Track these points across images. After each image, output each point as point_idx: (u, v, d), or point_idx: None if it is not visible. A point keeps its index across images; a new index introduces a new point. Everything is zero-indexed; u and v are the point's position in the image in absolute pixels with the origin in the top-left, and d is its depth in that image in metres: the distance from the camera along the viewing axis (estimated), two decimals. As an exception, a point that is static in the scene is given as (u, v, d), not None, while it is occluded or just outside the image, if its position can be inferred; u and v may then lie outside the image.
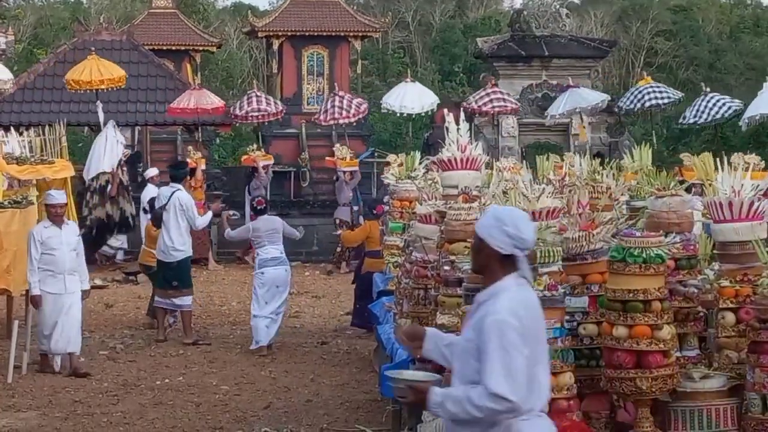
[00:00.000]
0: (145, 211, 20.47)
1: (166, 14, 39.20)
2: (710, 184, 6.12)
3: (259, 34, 33.72)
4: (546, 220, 6.57)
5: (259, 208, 15.09)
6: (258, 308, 14.63)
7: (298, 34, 32.81)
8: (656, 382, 5.49)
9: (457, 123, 8.73)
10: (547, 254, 6.17)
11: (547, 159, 9.44)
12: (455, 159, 8.58)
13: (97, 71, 23.28)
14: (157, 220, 15.43)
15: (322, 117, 25.65)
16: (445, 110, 9.42)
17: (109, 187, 22.05)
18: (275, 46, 32.85)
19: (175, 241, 15.03)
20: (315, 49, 32.92)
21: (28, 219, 13.38)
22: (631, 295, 5.55)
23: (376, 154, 32.20)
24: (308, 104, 32.89)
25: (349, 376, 12.97)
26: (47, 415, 11.14)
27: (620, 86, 56.45)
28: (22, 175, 14.96)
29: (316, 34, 32.75)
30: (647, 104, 22.73)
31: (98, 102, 23.54)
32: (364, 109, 25.59)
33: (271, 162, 26.32)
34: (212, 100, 25.18)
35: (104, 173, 22.28)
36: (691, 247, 6.11)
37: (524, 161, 14.12)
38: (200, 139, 27.68)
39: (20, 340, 12.91)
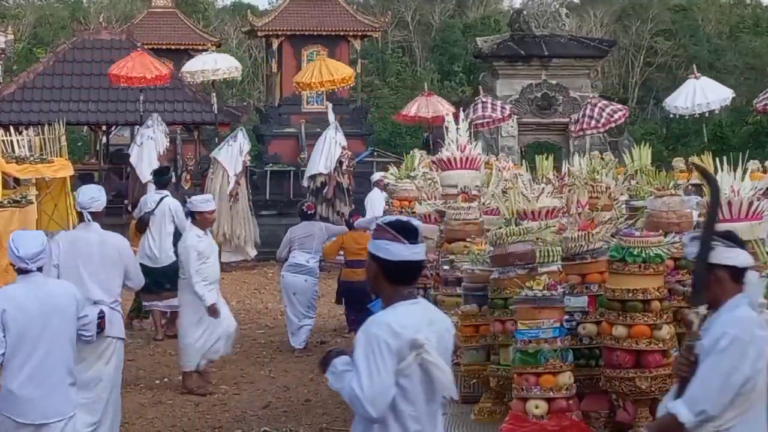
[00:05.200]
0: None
1: (166, 13, 39.23)
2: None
3: (259, 34, 33.73)
4: (545, 220, 6.58)
5: (308, 213, 15.14)
6: (283, 312, 14.71)
7: (297, 33, 32.82)
8: (655, 381, 5.49)
9: (457, 123, 8.73)
10: (546, 254, 6.18)
11: (547, 159, 9.44)
12: (454, 158, 8.59)
13: (327, 72, 23.48)
14: (143, 226, 15.22)
15: (573, 127, 23.31)
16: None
17: (325, 188, 22.05)
18: (275, 46, 32.86)
19: (164, 247, 14.98)
20: (314, 48, 32.93)
21: (28, 218, 13.37)
22: (630, 294, 5.55)
23: (375, 154, 32.24)
24: (308, 104, 32.90)
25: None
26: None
27: (620, 86, 56.51)
28: (21, 174, 14.97)
29: (315, 33, 32.76)
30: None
31: (328, 103, 23.86)
32: (618, 117, 22.42)
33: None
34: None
35: (320, 174, 22.42)
36: (691, 247, 6.11)
37: (523, 161, 14.11)
38: (200, 138, 27.70)
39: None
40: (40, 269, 7.22)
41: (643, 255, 5.54)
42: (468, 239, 7.30)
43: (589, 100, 22.64)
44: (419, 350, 4.76)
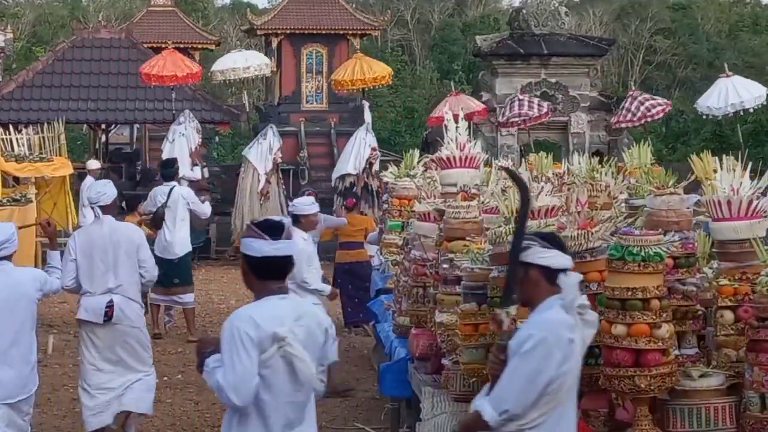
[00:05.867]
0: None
1: (165, 12, 39.19)
2: (709, 183, 6.12)
3: (258, 32, 33.70)
4: (545, 218, 6.57)
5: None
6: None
7: (297, 32, 32.79)
8: (655, 380, 5.49)
9: (456, 121, 8.73)
10: (545, 252, 6.17)
11: (546, 157, 9.43)
12: (454, 157, 8.58)
13: (362, 70, 23.49)
14: (159, 221, 15.17)
15: (613, 120, 22.77)
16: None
17: (354, 189, 22.08)
18: (274, 44, 32.84)
19: (177, 237, 15.00)
20: (314, 47, 32.91)
21: (27, 217, 13.37)
22: (629, 293, 5.55)
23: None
24: (307, 102, 32.89)
25: (347, 374, 12.96)
26: (46, 413, 11.13)
27: (619, 84, 56.47)
28: (20, 172, 14.98)
29: (315, 32, 32.73)
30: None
31: (364, 101, 23.87)
32: (655, 113, 21.78)
33: None
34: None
35: (349, 175, 22.44)
36: (690, 246, 6.11)
37: (523, 159, 14.10)
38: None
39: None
40: (8, 258, 7.88)
41: (643, 253, 5.54)
42: (467, 238, 7.30)
43: (631, 93, 22.27)
44: (281, 343, 5.03)
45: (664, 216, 6.22)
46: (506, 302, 5.09)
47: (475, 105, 23.63)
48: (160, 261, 15.08)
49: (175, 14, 39.53)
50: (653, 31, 60.55)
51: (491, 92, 26.42)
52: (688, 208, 6.34)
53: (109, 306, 9.41)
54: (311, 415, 5.30)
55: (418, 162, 12.29)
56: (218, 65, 24.11)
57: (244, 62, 23.42)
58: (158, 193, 15.43)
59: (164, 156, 23.44)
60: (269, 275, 5.18)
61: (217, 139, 41.05)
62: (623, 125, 22.37)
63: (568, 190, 7.45)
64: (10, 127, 18.23)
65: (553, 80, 26.53)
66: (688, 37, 60.17)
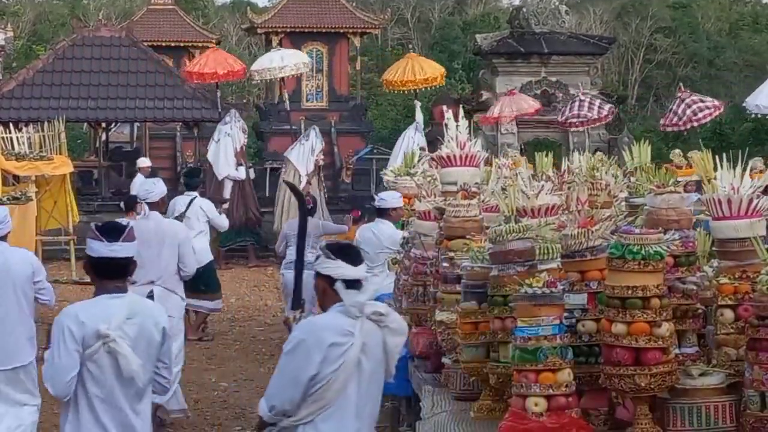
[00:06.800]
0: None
1: (166, 10, 39.23)
2: (709, 182, 6.11)
3: (258, 31, 33.73)
4: (545, 217, 6.57)
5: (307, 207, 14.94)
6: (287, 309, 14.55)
7: (297, 30, 32.81)
8: (655, 379, 5.48)
9: (457, 120, 8.72)
10: (545, 251, 6.17)
11: (546, 156, 9.42)
12: (454, 156, 8.57)
13: (414, 71, 23.46)
14: None
15: (662, 122, 21.78)
16: (444, 107, 9.42)
17: None
18: (274, 43, 32.84)
19: (198, 247, 14.85)
20: (314, 45, 32.93)
21: (27, 215, 13.39)
22: (629, 292, 5.54)
23: (375, 151, 32.22)
24: (307, 101, 32.91)
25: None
26: (45, 411, 11.12)
27: (619, 83, 56.50)
28: (21, 171, 14.98)
29: (315, 30, 32.76)
30: None
31: (416, 102, 23.91)
32: (702, 116, 20.69)
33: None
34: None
35: None
36: (690, 244, 6.11)
37: (523, 158, 14.09)
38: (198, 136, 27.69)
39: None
40: (2, 238, 8.32)
41: (643, 252, 5.53)
42: (467, 236, 7.29)
43: (680, 95, 21.09)
44: (105, 339, 5.42)
45: (664, 214, 6.22)
46: (295, 305, 6.02)
47: (527, 105, 23.47)
48: None
49: (176, 12, 39.56)
50: (653, 30, 60.55)
51: (491, 91, 26.42)
52: (688, 206, 6.34)
53: (150, 296, 9.79)
54: (145, 407, 5.68)
55: (419, 160, 12.28)
56: (256, 65, 24.24)
57: (280, 61, 23.47)
58: (178, 202, 15.18)
59: (209, 156, 23.46)
60: (106, 275, 5.57)
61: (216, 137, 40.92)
62: (669, 129, 21.27)
63: (569, 188, 7.44)
64: (11, 125, 18.25)
65: (554, 79, 26.53)
66: (689, 36, 60.16)
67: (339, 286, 5.33)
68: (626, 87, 59.21)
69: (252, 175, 23.94)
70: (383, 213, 11.91)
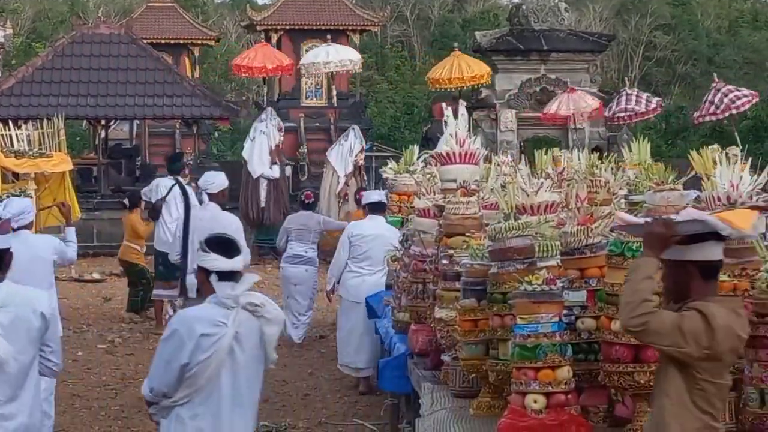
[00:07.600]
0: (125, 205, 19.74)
1: (165, 8, 39.20)
2: (709, 179, 6.11)
3: (258, 28, 33.72)
4: (544, 215, 6.57)
5: (307, 202, 15.00)
6: (283, 305, 14.61)
7: (296, 27, 32.80)
8: (654, 376, 5.49)
9: (456, 117, 8.72)
10: (545, 248, 6.16)
11: (546, 153, 9.42)
12: (454, 153, 8.57)
13: (460, 69, 23.46)
14: (156, 213, 15.15)
15: (696, 114, 21.87)
16: (444, 104, 9.42)
17: None
18: (274, 40, 32.83)
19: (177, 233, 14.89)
20: (313, 42, 32.89)
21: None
22: (629, 289, 5.53)
23: (374, 149, 32.21)
24: (307, 98, 32.90)
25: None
26: (45, 409, 11.13)
27: (619, 80, 56.45)
28: (20, 168, 14.97)
29: (314, 27, 32.75)
30: None
31: (461, 101, 23.95)
32: (740, 104, 20.59)
33: None
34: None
35: None
36: (690, 242, 6.10)
37: (522, 155, 14.09)
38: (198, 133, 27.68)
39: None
40: (26, 227, 8.76)
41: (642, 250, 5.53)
42: (467, 234, 7.29)
43: (714, 85, 21.18)
44: None
45: (663, 212, 6.22)
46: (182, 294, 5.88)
47: (586, 103, 23.29)
48: (159, 254, 15.02)
49: (175, 10, 39.54)
50: (653, 27, 60.53)
51: (491, 88, 26.42)
52: (687, 204, 6.34)
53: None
54: (27, 393, 5.77)
55: (418, 158, 12.27)
56: (305, 59, 24.26)
57: (326, 57, 23.46)
58: (161, 184, 15.26)
59: (244, 154, 23.46)
60: None
61: (216, 135, 41.03)
62: (707, 119, 21.19)
63: (568, 186, 7.44)
64: (10, 122, 18.21)
65: (553, 76, 26.53)
66: (688, 33, 60.14)
67: (213, 279, 5.72)
68: (625, 84, 59.16)
69: (288, 172, 23.85)
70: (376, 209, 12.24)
